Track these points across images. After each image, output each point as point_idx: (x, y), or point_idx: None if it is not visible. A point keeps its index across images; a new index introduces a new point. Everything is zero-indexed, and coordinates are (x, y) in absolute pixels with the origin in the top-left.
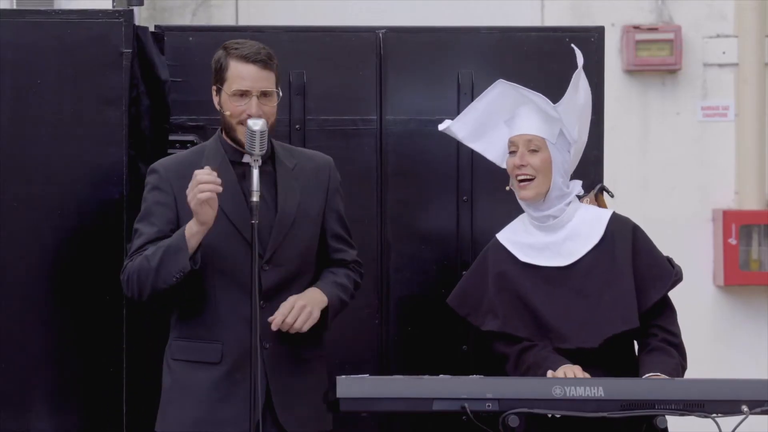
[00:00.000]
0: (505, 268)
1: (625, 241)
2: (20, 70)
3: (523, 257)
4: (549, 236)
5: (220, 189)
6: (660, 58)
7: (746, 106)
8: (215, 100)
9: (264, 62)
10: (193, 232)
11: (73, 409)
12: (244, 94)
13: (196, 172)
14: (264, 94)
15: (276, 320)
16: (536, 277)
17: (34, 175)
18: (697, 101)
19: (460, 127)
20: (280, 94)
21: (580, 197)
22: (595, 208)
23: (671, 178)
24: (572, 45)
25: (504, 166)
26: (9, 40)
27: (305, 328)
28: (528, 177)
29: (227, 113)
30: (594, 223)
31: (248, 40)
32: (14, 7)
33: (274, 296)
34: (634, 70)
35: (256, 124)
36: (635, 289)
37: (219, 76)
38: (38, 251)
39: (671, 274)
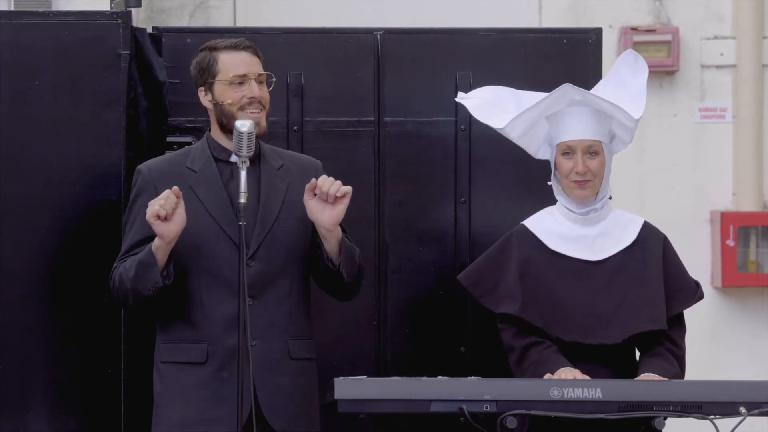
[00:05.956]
0: (530, 255)
1: (656, 249)
2: (18, 71)
3: (553, 245)
4: (581, 229)
5: (164, 211)
6: (658, 60)
7: (744, 108)
8: (205, 98)
9: (252, 49)
10: (156, 246)
11: (72, 410)
12: (242, 79)
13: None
14: (259, 81)
15: (316, 183)
16: (563, 267)
17: (31, 177)
18: (694, 103)
19: (515, 126)
20: (273, 79)
21: None
22: (627, 213)
23: (669, 180)
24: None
25: (539, 157)
26: (7, 41)
27: (342, 191)
28: (588, 180)
29: (228, 101)
30: (627, 226)
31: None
32: (12, 8)
33: (260, 293)
34: None
35: (244, 126)
36: None
37: (209, 72)
38: (36, 252)
39: (695, 291)
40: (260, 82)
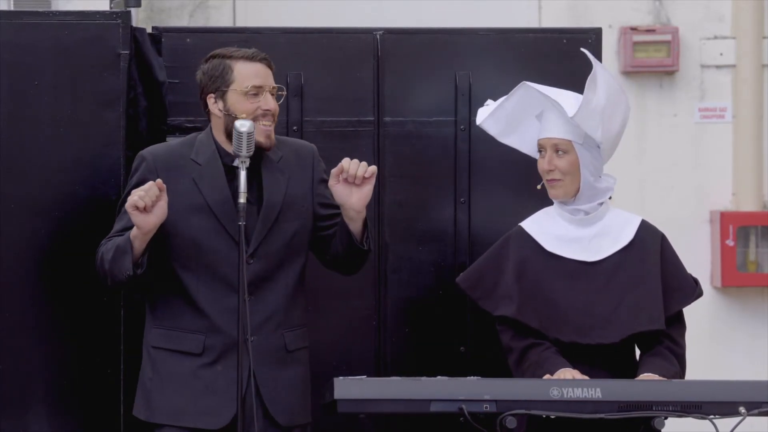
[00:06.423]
0: (527, 256)
1: (654, 247)
2: (18, 71)
3: (549, 247)
4: (578, 230)
5: (143, 203)
6: (657, 60)
7: (743, 108)
8: (215, 106)
9: (267, 61)
10: (134, 234)
11: (71, 410)
12: (257, 91)
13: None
14: (272, 93)
15: (343, 167)
16: (559, 268)
17: (31, 177)
18: (694, 103)
19: (491, 124)
20: (284, 93)
21: None
22: (625, 213)
23: (669, 180)
24: (582, 50)
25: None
26: (7, 41)
27: (369, 172)
28: (556, 179)
29: (242, 115)
30: (624, 226)
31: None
32: (12, 8)
33: (258, 289)
34: (632, 72)
35: (244, 126)
36: None
37: (222, 80)
38: (35, 252)
39: (694, 288)
40: (272, 95)
